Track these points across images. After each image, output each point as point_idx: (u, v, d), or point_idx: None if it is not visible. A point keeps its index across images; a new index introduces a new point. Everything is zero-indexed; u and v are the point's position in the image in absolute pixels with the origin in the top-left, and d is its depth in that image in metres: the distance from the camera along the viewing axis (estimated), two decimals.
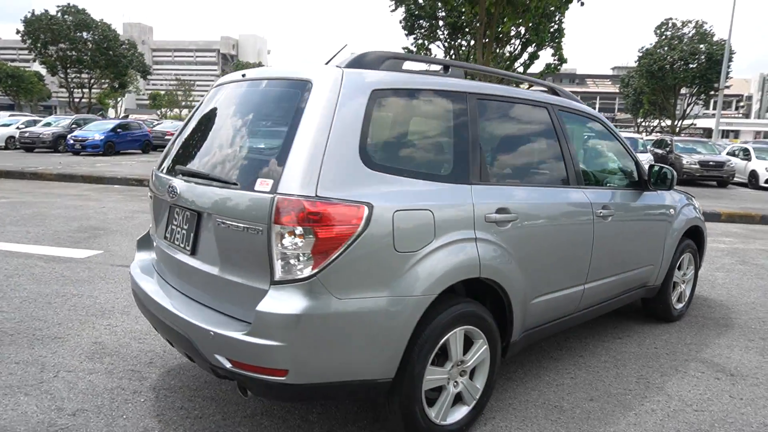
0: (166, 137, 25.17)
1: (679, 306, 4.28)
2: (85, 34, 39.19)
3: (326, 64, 2.57)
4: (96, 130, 20.86)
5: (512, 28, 26.19)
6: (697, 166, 16.48)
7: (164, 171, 2.70)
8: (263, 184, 1.98)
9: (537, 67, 30.97)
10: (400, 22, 32.14)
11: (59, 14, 37.85)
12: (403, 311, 2.09)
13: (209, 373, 2.35)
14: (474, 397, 2.54)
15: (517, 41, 30.99)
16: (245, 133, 2.33)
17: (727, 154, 18.88)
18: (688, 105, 47.42)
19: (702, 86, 43.61)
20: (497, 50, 28.02)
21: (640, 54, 45.90)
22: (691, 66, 43.22)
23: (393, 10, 31.32)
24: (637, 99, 47.94)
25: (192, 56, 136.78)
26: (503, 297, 2.58)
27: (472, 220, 2.38)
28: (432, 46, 33.09)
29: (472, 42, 31.66)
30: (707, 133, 51.36)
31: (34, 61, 40.39)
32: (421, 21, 32.07)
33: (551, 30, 29.95)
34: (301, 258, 1.91)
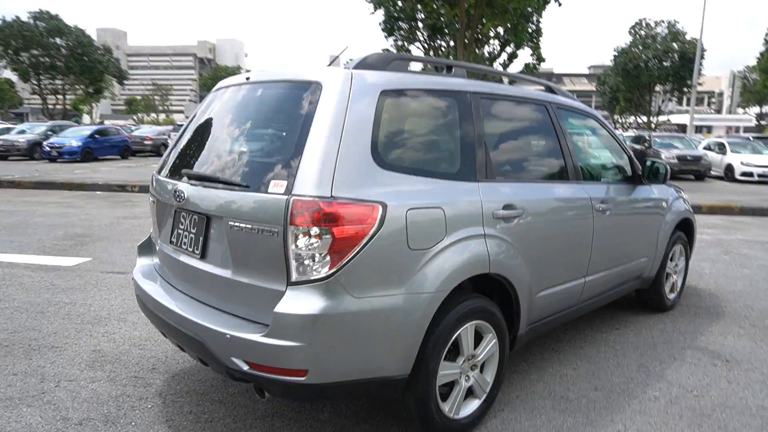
0: (146, 142, 24.86)
1: (672, 296, 4.38)
2: (58, 39, 38.43)
3: (329, 65, 2.58)
4: (73, 136, 20.46)
5: (491, 28, 26.49)
6: (676, 161, 16.83)
7: (167, 175, 2.68)
8: (277, 186, 1.98)
9: (516, 66, 31.32)
10: (380, 24, 32.27)
11: (31, 20, 37.04)
12: (418, 308, 2.11)
13: (224, 376, 2.33)
14: (485, 390, 2.57)
15: (496, 41, 31.34)
16: (254, 135, 2.33)
17: (704, 148, 19.33)
18: (663, 102, 48.44)
19: (675, 83, 44.58)
20: (477, 51, 28.29)
21: (616, 53, 46.76)
22: (665, 64, 44.17)
23: (372, 13, 31.38)
24: (613, 97, 48.78)
25: (168, 61, 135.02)
26: (510, 291, 2.61)
27: (480, 217, 2.41)
28: (412, 48, 33.26)
29: (452, 43, 31.94)
30: (682, 128, 52.49)
31: (5, 68, 39.44)
32: (400, 23, 32.22)
33: (530, 30, 30.36)
34: (318, 258, 1.91)
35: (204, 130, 2.62)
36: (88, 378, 3.02)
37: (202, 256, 2.28)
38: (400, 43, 32.40)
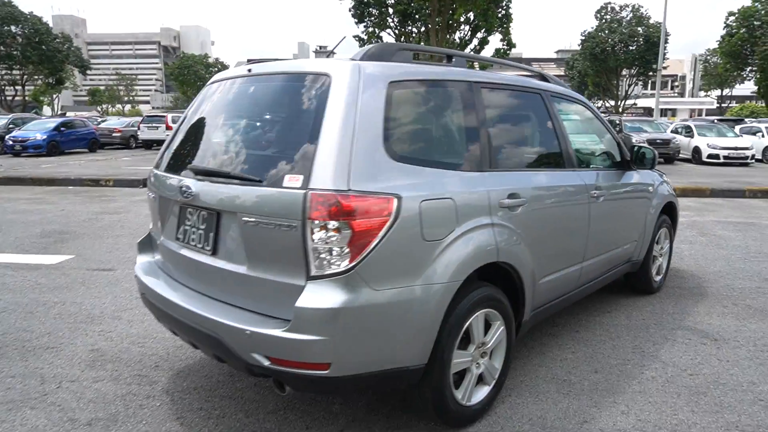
0: (114, 135, 24.18)
1: (658, 278, 4.53)
2: (13, 27, 36.80)
3: (327, 56, 2.56)
4: (37, 129, 19.75)
5: (462, 14, 26.50)
6: (645, 144, 17.28)
7: (167, 170, 2.62)
8: (293, 180, 1.97)
9: (487, 52, 31.46)
10: (350, 10, 31.94)
11: None
12: (434, 298, 2.14)
13: (242, 372, 2.32)
14: (494, 376, 2.62)
15: (467, 27, 31.43)
16: (262, 129, 2.30)
17: (671, 132, 19.86)
18: (630, 86, 49.45)
19: (641, 67, 45.50)
20: (448, 36, 28.33)
21: (583, 37, 47.42)
22: (630, 48, 45.00)
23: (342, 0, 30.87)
24: (581, 81, 49.54)
25: (131, 49, 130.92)
26: (516, 279, 2.66)
27: (488, 207, 2.44)
28: (383, 34, 33.06)
29: (423, 29, 31.87)
30: (647, 112, 53.79)
31: None
32: (371, 9, 31.97)
33: (499, 15, 30.51)
34: (337, 252, 1.92)
35: (205, 124, 2.58)
36: (90, 378, 2.96)
37: (213, 252, 2.26)
38: (371, 29, 32.22)
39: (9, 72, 38.47)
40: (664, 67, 40.23)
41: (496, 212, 2.49)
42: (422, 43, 31.92)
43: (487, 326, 2.56)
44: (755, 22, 33.60)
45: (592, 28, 46.76)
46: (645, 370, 3.13)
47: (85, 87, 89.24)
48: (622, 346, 3.46)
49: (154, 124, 23.58)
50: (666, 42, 32.19)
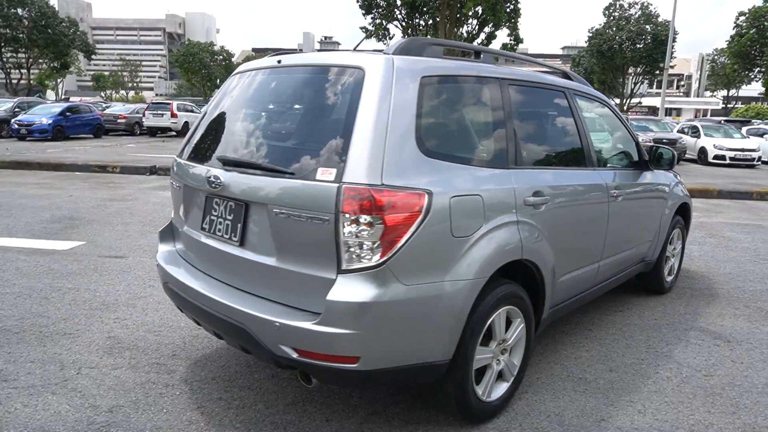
0: (119, 121, 24.14)
1: (670, 279, 4.54)
2: (19, 10, 36.60)
3: (354, 50, 2.55)
4: (43, 114, 19.72)
5: (471, 8, 26.39)
6: (652, 144, 17.22)
7: (192, 159, 2.62)
8: (326, 173, 1.97)
9: (494, 46, 31.32)
10: (357, 1, 31.78)
11: None
12: (461, 294, 2.15)
13: (268, 364, 2.33)
14: (513, 373, 2.64)
15: (475, 21, 31.27)
16: (293, 121, 2.29)
17: (678, 131, 19.79)
18: (635, 84, 49.25)
19: (648, 66, 45.25)
20: (456, 30, 28.22)
21: (590, 34, 47.13)
22: (638, 46, 44.73)
23: None
24: (587, 78, 49.27)
25: (136, 35, 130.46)
26: (538, 276, 2.67)
27: (513, 204, 2.45)
28: (390, 26, 32.92)
29: (430, 22, 31.73)
30: (652, 111, 53.60)
31: None
32: (378, 0, 31.82)
33: (508, 10, 30.35)
34: (369, 246, 1.92)
35: (233, 115, 2.57)
36: (108, 365, 2.98)
37: (241, 243, 2.26)
38: (378, 21, 32.09)
39: (14, 55, 38.32)
40: (671, 66, 40.05)
41: (522, 210, 2.49)
42: (429, 36, 31.83)
43: (508, 323, 2.57)
44: (765, 23, 33.39)
45: (600, 24, 46.48)
46: (659, 369, 3.15)
47: (89, 72, 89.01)
48: (636, 346, 3.47)
49: (159, 111, 23.56)
50: (674, 41, 32.03)
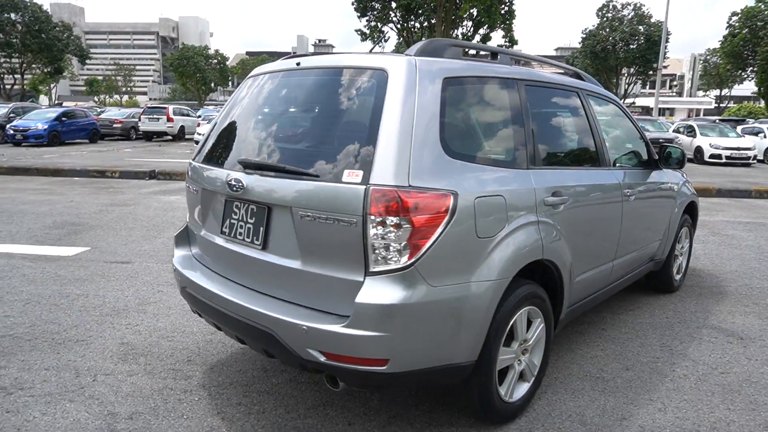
0: (115, 125, 24.04)
1: (678, 277, 4.55)
2: (13, 15, 36.46)
3: (371, 52, 2.54)
4: (38, 119, 19.62)
5: (467, 10, 26.50)
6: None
7: (210, 163, 2.61)
8: (352, 176, 1.96)
9: None
10: (353, 4, 31.83)
11: None
12: (486, 295, 2.14)
13: (294, 368, 2.32)
14: (533, 373, 2.64)
15: (470, 23, 31.38)
16: (315, 123, 2.28)
17: (673, 131, 19.90)
18: (629, 84, 49.54)
19: (641, 66, 45.51)
20: (451, 32, 28.30)
21: (584, 35, 47.37)
22: (631, 47, 44.99)
23: None
24: None
25: (129, 39, 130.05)
26: (557, 276, 2.67)
27: (534, 204, 2.45)
28: (385, 28, 33.00)
29: (425, 24, 31.81)
30: (645, 111, 53.87)
31: None
32: (373, 3, 31.90)
33: (502, 12, 30.47)
34: (397, 248, 1.92)
35: (251, 118, 2.56)
36: (124, 371, 2.96)
37: (264, 247, 2.25)
38: (373, 23, 32.15)
39: (8, 60, 38.14)
40: (665, 66, 40.31)
41: (541, 210, 2.49)
42: (423, 38, 31.91)
43: (528, 323, 2.56)
44: (758, 23, 33.66)
45: (593, 26, 46.73)
46: (676, 368, 3.15)
47: (82, 77, 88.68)
48: (650, 344, 3.48)
49: (155, 116, 23.49)
50: (667, 41, 32.28)
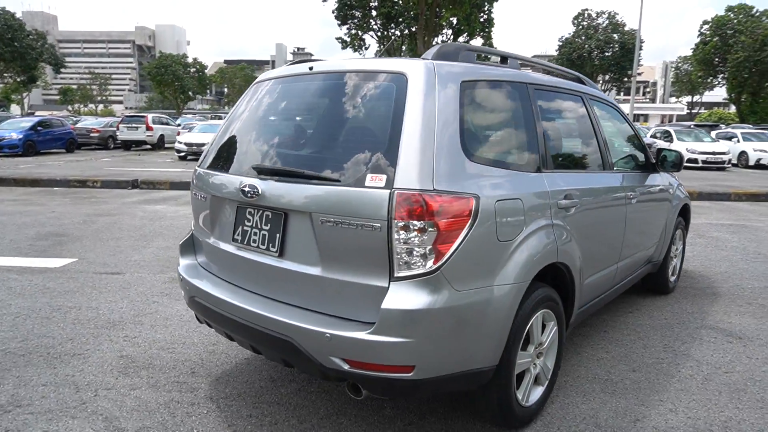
0: (92, 135, 23.57)
1: (673, 279, 4.62)
2: None
3: (378, 56, 2.53)
4: (12, 128, 19.14)
5: (448, 17, 26.76)
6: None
7: (218, 169, 2.56)
8: (375, 180, 1.93)
9: None
10: (333, 12, 31.88)
11: None
12: (507, 298, 2.13)
13: (315, 377, 2.27)
14: (547, 376, 2.63)
15: (450, 31, 31.71)
16: (332, 128, 2.25)
17: (651, 136, 20.32)
18: (605, 91, 50.50)
19: (616, 73, 46.51)
20: (428, 39, 28.54)
21: (560, 43, 48.24)
22: (606, 54, 45.98)
23: (324, 1, 30.96)
24: None
25: (104, 48, 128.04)
26: (569, 279, 2.68)
27: (548, 207, 2.45)
28: (366, 36, 33.12)
29: (406, 32, 32.03)
30: None
31: None
32: (354, 11, 32.01)
33: (482, 20, 30.86)
34: (422, 252, 1.89)
35: (263, 123, 2.52)
36: (126, 385, 2.86)
37: (280, 254, 2.20)
38: (353, 31, 32.25)
39: None
40: (639, 74, 41.25)
41: (555, 212, 2.50)
42: (404, 47, 32.12)
43: (542, 326, 2.56)
44: (728, 31, 34.71)
45: (570, 33, 47.64)
46: (681, 368, 3.18)
47: (56, 86, 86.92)
48: (653, 345, 3.51)
49: (133, 125, 23.08)
50: (641, 49, 33.07)
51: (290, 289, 2.19)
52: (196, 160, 17.56)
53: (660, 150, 3.91)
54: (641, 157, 3.88)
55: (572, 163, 2.94)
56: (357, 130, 2.18)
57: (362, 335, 1.89)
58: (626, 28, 45.75)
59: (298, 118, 2.42)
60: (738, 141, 19.87)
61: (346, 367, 1.95)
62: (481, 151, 2.22)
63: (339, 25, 32.10)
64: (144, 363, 3.14)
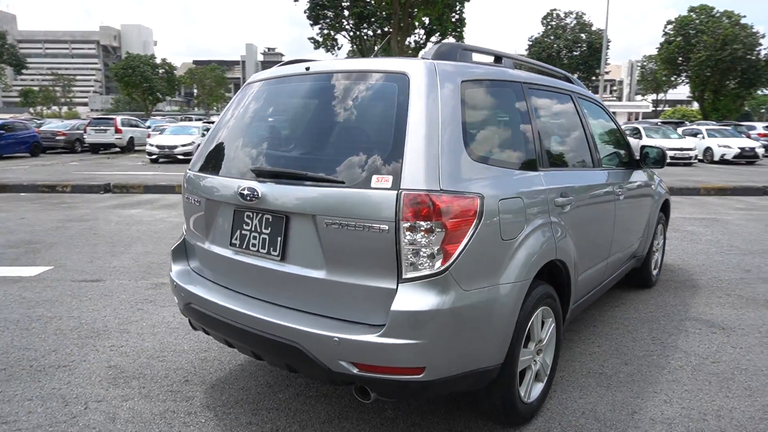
0: (58, 138, 22.85)
1: (655, 272, 4.73)
2: None
3: (374, 56, 2.52)
4: None
5: (421, 17, 26.90)
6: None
7: (213, 172, 2.50)
8: (381, 181, 1.91)
9: None
10: (305, 12, 31.67)
11: None
12: (512, 296, 2.14)
13: (322, 382, 2.23)
14: (546, 373, 2.65)
15: (422, 31, 31.86)
16: (333, 129, 2.21)
17: None
18: None
19: (585, 72, 47.44)
20: (400, 39, 28.65)
21: (530, 42, 48.96)
22: (574, 53, 46.88)
23: (296, 1, 30.70)
24: None
25: (67, 48, 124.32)
26: (565, 276, 2.71)
27: (546, 205, 2.47)
28: (338, 36, 33.01)
29: (378, 32, 32.04)
30: None
31: None
32: (326, 11, 31.86)
33: (453, 20, 31.12)
34: (430, 252, 1.88)
35: (257, 125, 2.47)
36: (117, 396, 2.78)
37: (282, 258, 2.16)
38: (326, 31, 32.10)
39: None
40: (606, 72, 42.20)
41: (553, 211, 2.52)
42: (377, 47, 32.15)
43: (542, 323, 2.58)
44: (691, 31, 35.78)
45: (539, 33, 48.38)
46: (670, 360, 3.26)
47: (16, 87, 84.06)
48: (642, 338, 3.58)
49: (102, 127, 22.47)
50: (607, 48, 33.85)
51: (293, 293, 2.15)
52: (168, 162, 17.28)
53: (643, 147, 3.99)
54: (625, 154, 3.95)
55: (565, 161, 2.98)
56: (358, 130, 2.16)
57: (372, 338, 1.87)
58: (593, 28, 46.74)
59: (295, 119, 2.38)
60: (703, 137, 20.50)
61: (354, 370, 1.92)
62: (482, 151, 2.23)
63: (311, 25, 31.93)
64: (134, 373, 3.05)
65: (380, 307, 1.91)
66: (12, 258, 5.52)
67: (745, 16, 36.01)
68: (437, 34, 30.74)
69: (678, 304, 4.26)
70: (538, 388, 2.60)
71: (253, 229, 2.26)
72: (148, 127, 25.09)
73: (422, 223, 1.86)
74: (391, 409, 2.67)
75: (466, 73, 2.24)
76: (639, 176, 3.97)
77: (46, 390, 2.84)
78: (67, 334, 3.58)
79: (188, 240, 2.73)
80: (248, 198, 2.20)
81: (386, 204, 1.88)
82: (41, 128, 23.40)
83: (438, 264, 1.89)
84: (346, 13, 30.59)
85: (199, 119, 35.31)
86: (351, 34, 32.07)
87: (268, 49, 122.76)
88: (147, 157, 18.09)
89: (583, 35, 46.73)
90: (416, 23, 28.97)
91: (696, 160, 18.82)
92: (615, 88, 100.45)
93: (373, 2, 28.52)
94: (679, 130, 21.69)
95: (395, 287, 1.90)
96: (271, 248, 2.19)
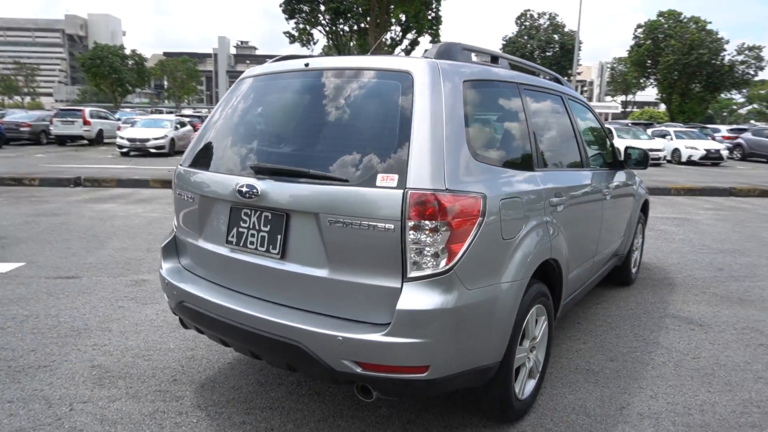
0: (22, 129, 22.04)
1: (634, 270, 4.85)
2: None
3: (370, 54, 2.50)
4: None
5: (399, 14, 26.91)
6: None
7: (207, 168, 2.44)
8: (387, 180, 1.90)
9: (417, 52, 32.05)
10: (281, 6, 31.33)
11: None
12: (511, 295, 2.16)
13: (323, 381, 2.20)
14: (539, 369, 2.69)
15: (398, 28, 31.89)
16: (335, 126, 2.18)
17: None
18: None
19: (558, 72, 48.20)
20: (382, 36, 28.61)
21: (504, 42, 49.50)
22: (547, 54, 47.61)
23: None
24: None
25: (30, 36, 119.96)
26: (557, 275, 2.75)
27: (543, 205, 2.50)
28: (314, 31, 32.75)
29: (354, 27, 31.94)
30: None
31: None
32: (302, 5, 31.57)
33: (429, 17, 31.24)
34: (435, 251, 1.89)
35: (255, 121, 2.43)
36: (104, 397, 2.70)
37: (282, 256, 2.13)
38: (301, 26, 31.82)
39: None
40: (578, 73, 43.02)
41: (548, 210, 2.56)
42: (353, 42, 32.04)
43: (535, 321, 2.62)
44: (659, 35, 36.72)
45: (513, 33, 48.94)
46: (653, 356, 3.34)
47: None
48: (625, 335, 3.67)
49: (69, 119, 21.77)
50: (579, 49, 34.47)
51: (294, 291, 2.12)
52: (140, 156, 16.87)
53: (626, 148, 4.08)
54: (610, 154, 4.03)
55: (558, 161, 3.02)
56: (360, 128, 2.14)
57: (377, 337, 1.87)
58: (566, 29, 47.54)
59: (295, 116, 2.34)
60: (671, 138, 21.08)
61: (358, 369, 1.91)
62: (483, 150, 2.24)
63: (287, 19, 31.60)
64: (119, 372, 2.97)
65: (384, 306, 1.91)
66: None
67: (710, 23, 37.18)
68: (413, 32, 30.84)
69: (656, 302, 4.38)
70: (531, 384, 2.64)
71: (251, 226, 2.23)
72: (119, 119, 24.45)
73: (428, 222, 1.86)
74: (385, 407, 2.67)
75: (467, 72, 2.25)
76: (622, 177, 4.06)
77: (27, 391, 2.74)
78: (46, 333, 3.47)
79: (179, 236, 2.66)
80: (247, 195, 2.16)
81: (392, 203, 1.87)
82: (4, 119, 22.54)
83: (443, 263, 1.90)
84: (323, 8, 30.36)
85: (170, 112, 34.57)
86: (327, 29, 31.85)
87: (241, 42, 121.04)
88: (117, 150, 17.62)
89: (556, 36, 47.48)
90: (393, 20, 28.97)
91: (665, 161, 19.34)
92: (586, 88, 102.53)
93: None
94: (649, 131, 22.25)
95: (400, 286, 1.90)
96: (271, 246, 2.16)
